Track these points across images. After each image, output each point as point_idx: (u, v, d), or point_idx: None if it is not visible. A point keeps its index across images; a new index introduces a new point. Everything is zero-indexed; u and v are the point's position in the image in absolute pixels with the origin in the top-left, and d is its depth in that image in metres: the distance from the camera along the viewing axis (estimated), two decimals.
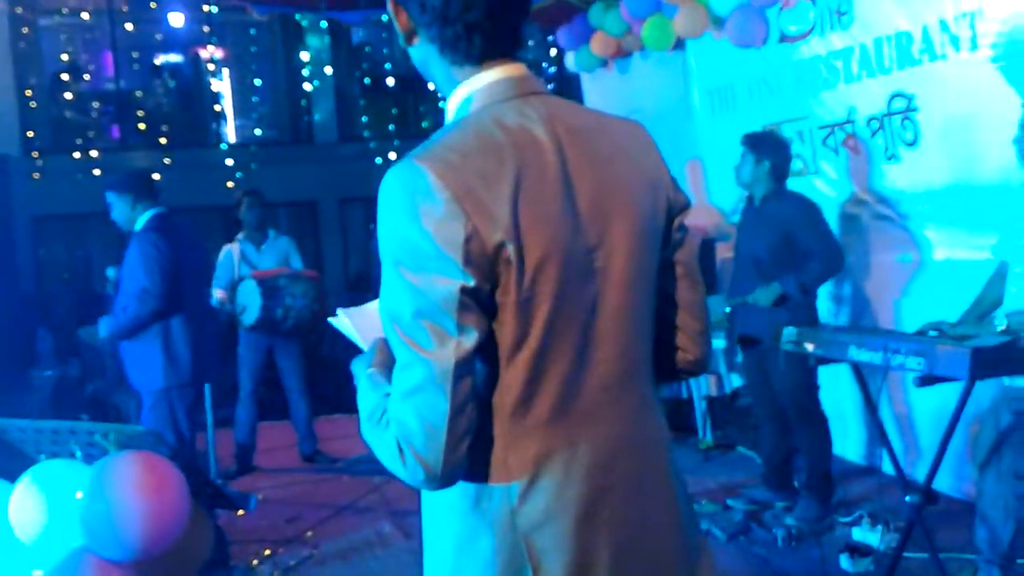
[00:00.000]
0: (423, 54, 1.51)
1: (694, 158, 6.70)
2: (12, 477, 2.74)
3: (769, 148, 4.68)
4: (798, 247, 4.56)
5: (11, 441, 3.20)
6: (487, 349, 1.36)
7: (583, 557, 1.42)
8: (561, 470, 1.41)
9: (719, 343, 6.01)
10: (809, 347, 3.70)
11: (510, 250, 1.33)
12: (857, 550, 4.05)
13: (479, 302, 1.33)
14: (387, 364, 1.50)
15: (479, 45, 1.45)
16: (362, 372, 1.52)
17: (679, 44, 6.42)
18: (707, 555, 1.64)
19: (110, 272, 4.80)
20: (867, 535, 4.22)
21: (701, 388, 6.31)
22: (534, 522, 1.40)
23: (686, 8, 5.81)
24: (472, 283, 1.31)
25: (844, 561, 4.02)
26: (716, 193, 6.55)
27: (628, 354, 1.49)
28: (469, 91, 1.47)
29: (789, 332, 3.83)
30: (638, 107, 6.68)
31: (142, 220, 4.64)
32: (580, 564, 1.42)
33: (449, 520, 1.46)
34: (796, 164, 5.54)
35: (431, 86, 1.59)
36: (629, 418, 1.50)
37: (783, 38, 5.54)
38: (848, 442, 5.47)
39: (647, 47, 6.49)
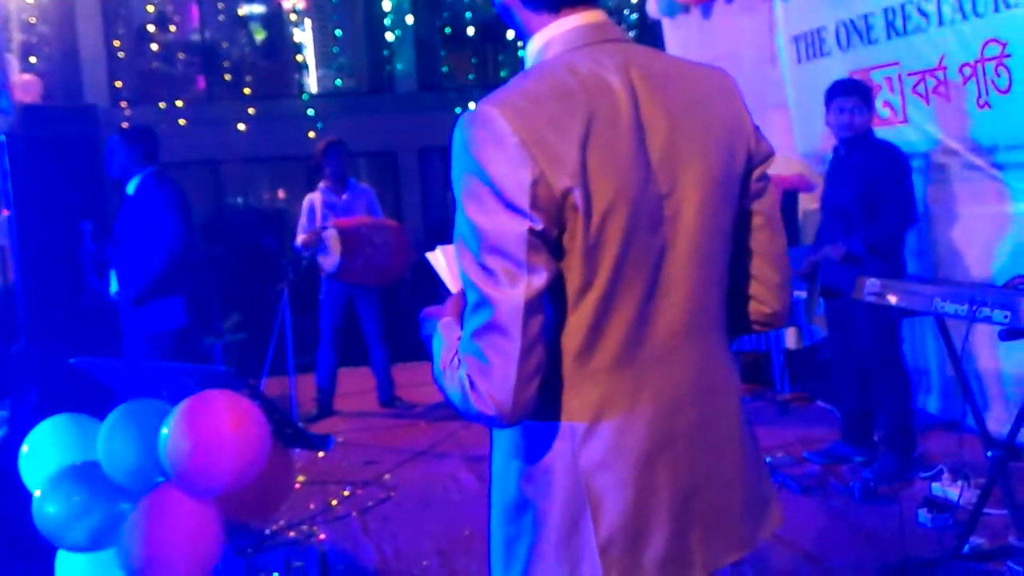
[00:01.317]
0: (506, 2, 1.51)
1: (779, 106, 6.55)
2: (101, 415, 2.85)
3: (869, 97, 4.57)
4: (880, 198, 4.45)
5: (100, 380, 3.32)
6: (555, 292, 1.37)
7: (642, 500, 1.44)
8: (623, 414, 1.43)
9: (799, 294, 5.92)
10: (892, 299, 3.62)
11: (577, 196, 1.34)
12: (936, 505, 3.99)
13: (547, 244, 1.34)
14: (461, 315, 1.53)
15: None
16: (436, 321, 1.55)
17: None
18: (775, 508, 1.64)
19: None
20: (947, 490, 4.14)
21: (780, 340, 6.23)
22: (595, 463, 1.42)
23: None
24: (540, 226, 1.32)
25: (922, 516, 3.96)
26: (802, 142, 6.40)
27: (698, 303, 1.49)
28: (546, 38, 1.48)
29: (872, 284, 3.75)
30: (721, 53, 6.54)
31: (141, 174, 4.92)
32: (639, 506, 1.43)
33: (515, 459, 1.49)
34: (884, 112, 5.38)
35: (511, 34, 1.59)
36: (697, 366, 1.50)
37: None
38: (930, 396, 5.36)
39: None
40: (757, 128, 1.58)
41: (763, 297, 1.63)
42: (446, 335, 1.48)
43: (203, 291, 9.45)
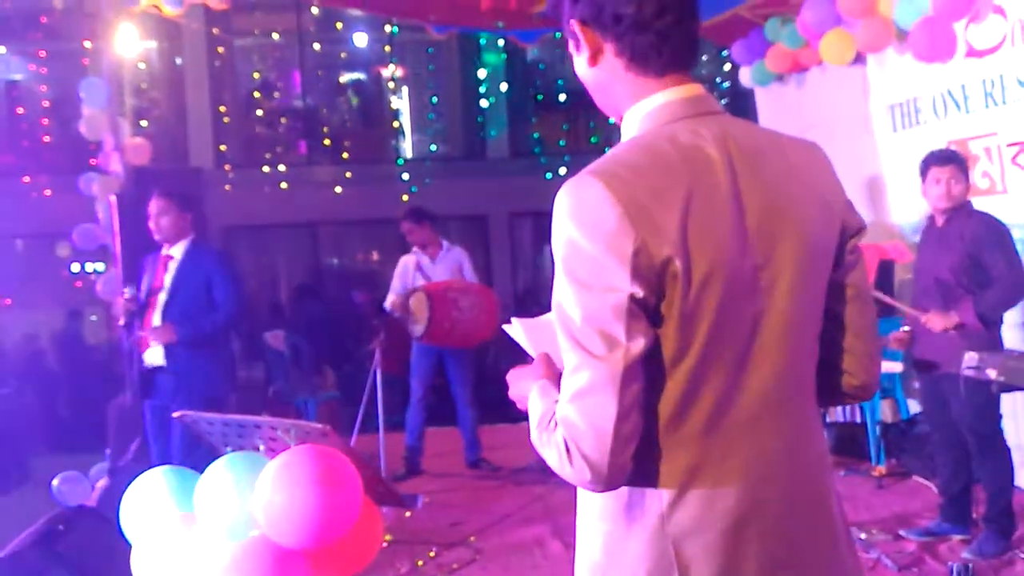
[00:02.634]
0: (606, 71, 1.55)
1: (873, 175, 6.49)
2: (201, 468, 2.94)
3: (965, 167, 4.51)
4: (983, 269, 4.36)
5: (201, 433, 3.42)
6: (651, 358, 1.39)
7: (731, 569, 1.43)
8: (712, 482, 1.43)
9: (896, 366, 5.80)
10: (991, 373, 3.54)
11: (677, 265, 1.36)
12: None
13: (646, 312, 1.37)
14: (554, 377, 1.56)
15: (667, 54, 1.50)
16: (532, 382, 1.58)
17: (859, 59, 6.24)
18: None
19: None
20: None
21: (875, 413, 6.09)
22: (684, 530, 1.42)
23: (868, 22, 5.65)
24: (640, 294, 1.35)
25: None
26: (896, 211, 6.32)
27: (789, 373, 1.49)
28: (646, 110, 1.52)
29: (970, 357, 3.67)
30: (814, 122, 6.52)
31: (189, 239, 5.17)
32: (727, 575, 1.43)
33: (601, 522, 1.50)
34: (984, 183, 5.30)
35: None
36: (787, 436, 1.50)
37: (970, 52, 5.31)
38: None
39: (825, 61, 6.34)
40: (849, 202, 1.60)
41: (853, 369, 1.63)
42: (542, 397, 1.51)
43: (296, 351, 9.66)
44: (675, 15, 1.50)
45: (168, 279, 5.11)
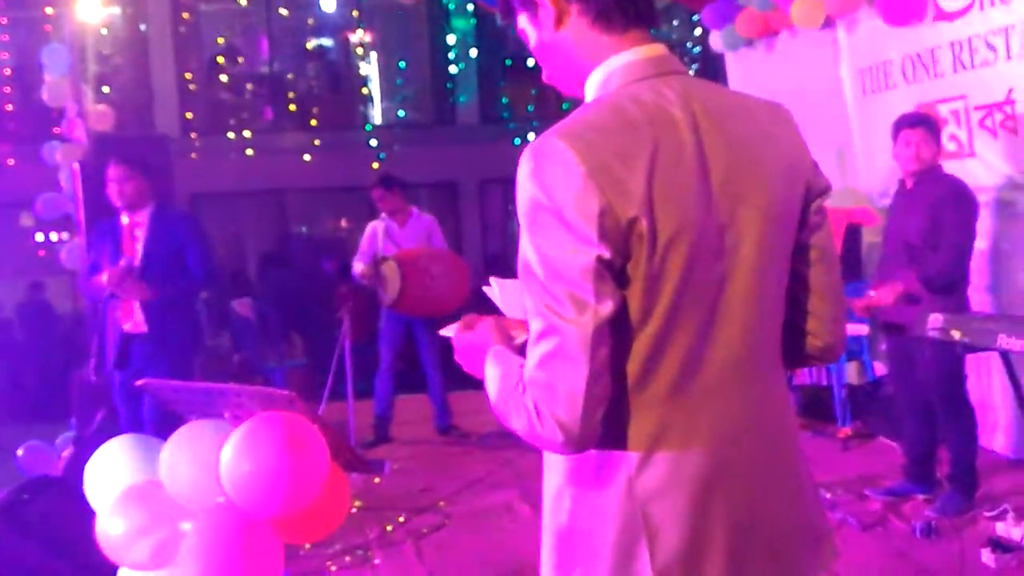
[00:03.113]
0: (570, 34, 1.52)
1: (843, 139, 6.50)
2: (164, 435, 2.91)
3: (935, 130, 4.53)
4: (945, 233, 4.39)
5: (166, 401, 3.39)
6: (618, 320, 1.38)
7: (699, 531, 1.43)
8: (678, 444, 1.43)
9: (863, 328, 5.85)
10: (956, 335, 3.57)
11: (643, 225, 1.35)
12: (1000, 545, 3.89)
13: (613, 274, 1.36)
14: (505, 343, 1.56)
15: (631, 9, 1.50)
16: (484, 347, 1.57)
17: (828, 22, 6.23)
18: (830, 543, 1.62)
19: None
20: (1011, 530, 4.04)
21: (842, 375, 6.14)
22: (651, 492, 1.42)
23: None
24: (607, 255, 1.34)
25: (986, 556, 3.87)
26: (866, 175, 6.34)
27: (754, 335, 1.49)
28: (608, 71, 1.50)
29: (935, 319, 3.70)
30: (785, 87, 6.51)
31: (152, 205, 5.12)
32: (696, 537, 1.43)
33: (569, 486, 1.50)
34: (951, 146, 5.32)
35: (547, 77, 1.61)
36: (753, 398, 1.50)
37: (939, 15, 5.31)
38: (995, 434, 5.24)
39: (796, 25, 6.32)
40: (815, 162, 1.59)
41: (817, 331, 1.63)
42: (500, 363, 1.50)
43: (264, 318, 9.62)
44: None
45: (139, 247, 5.03)
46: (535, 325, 1.39)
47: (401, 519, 4.88)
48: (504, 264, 14.48)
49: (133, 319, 5.01)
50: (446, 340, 1.72)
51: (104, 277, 4.88)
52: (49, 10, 9.21)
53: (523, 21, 1.59)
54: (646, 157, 1.37)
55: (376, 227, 6.74)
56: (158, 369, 4.79)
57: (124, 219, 5.10)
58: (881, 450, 5.69)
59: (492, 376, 1.50)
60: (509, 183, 1.43)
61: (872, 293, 4.63)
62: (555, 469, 1.53)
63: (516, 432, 1.43)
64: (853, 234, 6.33)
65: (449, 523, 4.84)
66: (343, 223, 16.03)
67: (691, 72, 1.54)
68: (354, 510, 4.92)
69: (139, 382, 3.51)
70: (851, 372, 6.39)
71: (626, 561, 1.43)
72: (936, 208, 4.42)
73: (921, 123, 4.56)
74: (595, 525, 1.45)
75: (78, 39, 7.64)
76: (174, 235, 5.09)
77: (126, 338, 5.04)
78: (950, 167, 4.82)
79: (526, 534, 4.53)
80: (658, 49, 1.51)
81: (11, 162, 12.78)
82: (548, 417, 1.36)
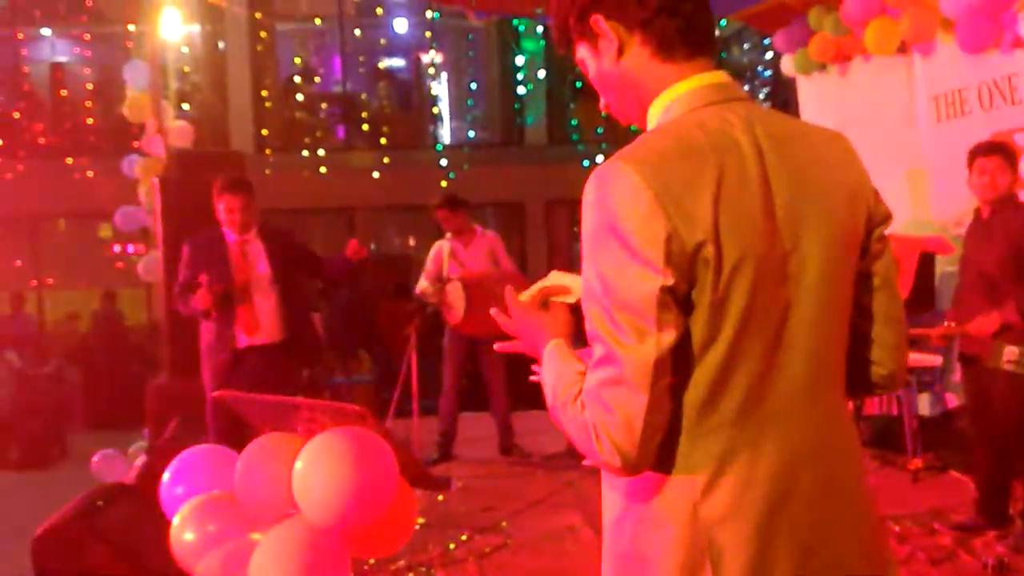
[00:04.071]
0: (631, 65, 1.54)
1: (916, 167, 6.41)
2: (240, 447, 2.97)
3: (1012, 158, 4.45)
4: None
5: (240, 414, 3.46)
6: (681, 345, 1.39)
7: (763, 557, 1.43)
8: (744, 469, 1.43)
9: (936, 359, 5.74)
10: None
11: (709, 250, 1.35)
12: None
13: (677, 300, 1.36)
14: (568, 337, 1.58)
15: (694, 38, 1.51)
16: (545, 336, 1.59)
17: (903, 47, 6.16)
18: (894, 573, 1.61)
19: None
20: None
21: (913, 406, 6.03)
22: (716, 517, 1.42)
23: (913, 10, 5.57)
24: (671, 282, 1.34)
25: None
26: (939, 203, 6.24)
27: (818, 361, 1.49)
28: (672, 98, 1.51)
29: (1010, 351, 3.63)
30: (856, 113, 6.46)
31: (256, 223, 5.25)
32: (759, 564, 1.42)
33: (631, 507, 1.49)
34: None
35: (606, 106, 1.63)
36: (817, 425, 1.49)
37: (1016, 42, 5.22)
38: None
39: (869, 51, 6.27)
40: (876, 190, 1.60)
41: (880, 359, 1.63)
42: (562, 363, 1.51)
43: (332, 334, 9.74)
44: (695, 1, 1.51)
45: (256, 264, 5.18)
46: (597, 350, 1.40)
47: (464, 538, 4.90)
48: None
49: (259, 330, 5.12)
50: (510, 360, 1.73)
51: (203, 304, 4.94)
52: (131, 27, 9.48)
53: (583, 52, 1.60)
54: (712, 183, 1.38)
55: (441, 247, 6.79)
56: (285, 377, 5.12)
57: (231, 236, 5.19)
58: (953, 484, 5.57)
59: (550, 376, 1.51)
60: (576, 204, 1.45)
61: (950, 323, 4.53)
62: (617, 492, 1.53)
63: (571, 440, 1.45)
64: (927, 263, 6.22)
65: (511, 543, 4.84)
66: (411, 241, 16.19)
67: (762, 96, 1.55)
68: (417, 527, 4.95)
69: (214, 394, 3.61)
70: (923, 403, 6.27)
71: None
72: (1016, 237, 4.34)
73: (997, 151, 4.48)
74: (658, 550, 1.45)
75: (159, 56, 7.85)
76: (288, 249, 5.33)
77: (244, 351, 5.11)
78: None
79: (588, 557, 4.52)
80: (721, 76, 1.52)
81: (91, 175, 13.17)
82: (606, 440, 1.37)
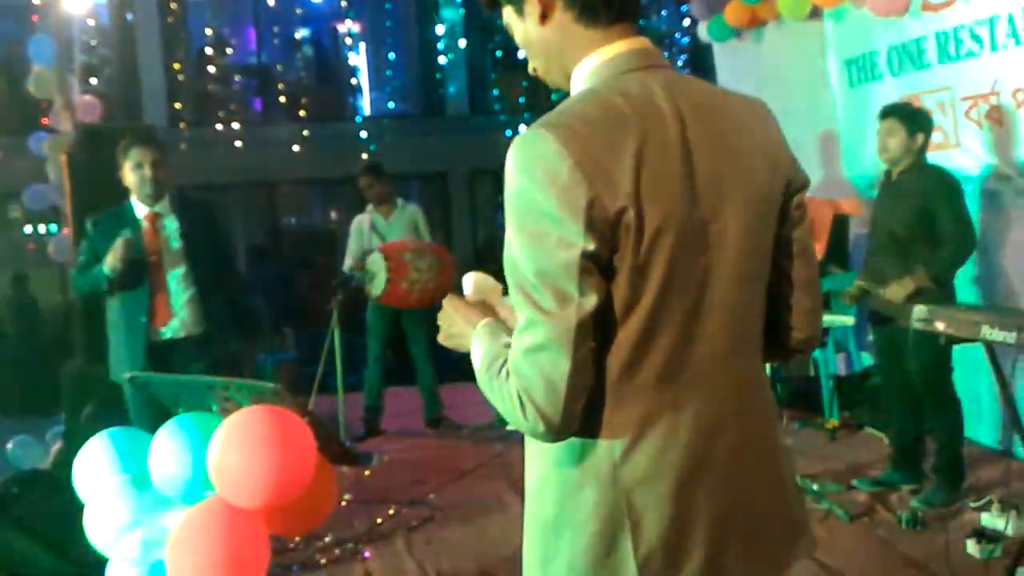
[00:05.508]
0: (554, 28, 1.53)
1: (830, 130, 6.52)
2: (153, 428, 2.92)
3: (923, 122, 4.53)
4: (934, 223, 4.41)
5: (154, 394, 3.40)
6: (604, 310, 1.39)
7: (682, 519, 1.45)
8: (664, 432, 1.44)
9: (848, 320, 5.87)
10: (941, 326, 3.58)
11: (630, 216, 1.36)
12: (985, 536, 3.92)
13: (599, 266, 1.37)
14: (494, 318, 1.58)
15: (617, 4, 1.50)
16: (473, 322, 1.59)
17: (815, 13, 6.25)
18: (809, 535, 1.65)
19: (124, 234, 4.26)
20: (996, 521, 4.06)
21: (829, 366, 6.17)
22: (636, 479, 1.44)
23: None
24: (593, 247, 1.35)
25: (971, 546, 3.89)
26: (852, 166, 6.36)
27: (737, 327, 1.51)
28: (595, 64, 1.51)
29: (920, 311, 3.71)
30: (772, 77, 6.53)
31: (170, 193, 4.49)
32: (678, 525, 1.45)
33: (553, 473, 1.51)
34: (936, 137, 5.34)
35: (533, 70, 1.62)
36: (736, 389, 1.52)
37: (926, 6, 5.33)
38: (981, 426, 5.27)
39: (783, 16, 6.34)
40: (794, 157, 1.61)
41: (798, 323, 1.65)
42: (490, 338, 1.52)
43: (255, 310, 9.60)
44: None
45: (168, 238, 4.39)
46: (520, 316, 1.40)
47: (391, 512, 4.89)
48: (493, 255, 14.49)
49: (170, 320, 4.35)
50: (435, 332, 1.73)
51: (111, 264, 4.19)
52: (36, 0, 9.14)
53: (508, 14, 1.59)
54: (633, 149, 1.38)
55: (362, 220, 6.73)
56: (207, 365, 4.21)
57: (140, 209, 4.41)
58: (868, 441, 5.72)
59: (478, 351, 1.52)
60: (499, 174, 1.44)
61: (861, 283, 4.64)
62: (538, 457, 1.55)
63: (499, 410, 1.45)
64: (840, 225, 6.35)
65: (439, 516, 4.85)
66: (333, 215, 16.02)
67: (680, 63, 1.54)
68: (344, 503, 4.93)
69: (127, 375, 3.52)
70: (838, 363, 6.41)
71: (609, 548, 1.45)
72: (923, 199, 4.43)
73: (890, 114, 4.54)
74: (579, 513, 1.47)
75: (65, 29, 7.59)
76: (210, 223, 4.61)
77: (161, 345, 4.34)
78: (936, 158, 4.84)
79: (517, 526, 4.53)
80: (643, 42, 1.53)
81: None
82: (530, 406, 1.38)
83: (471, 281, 1.74)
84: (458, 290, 1.76)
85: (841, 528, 4.33)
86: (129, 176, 4.37)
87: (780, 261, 1.60)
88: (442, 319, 1.68)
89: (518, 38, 1.60)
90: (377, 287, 6.18)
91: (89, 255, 4.38)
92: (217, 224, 4.75)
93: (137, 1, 14.58)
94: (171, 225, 4.43)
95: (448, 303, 1.69)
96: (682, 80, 1.52)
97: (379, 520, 4.78)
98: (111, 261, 4.18)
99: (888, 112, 4.57)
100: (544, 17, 1.53)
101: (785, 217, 1.59)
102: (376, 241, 6.52)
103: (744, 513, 1.51)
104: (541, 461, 1.54)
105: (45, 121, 7.39)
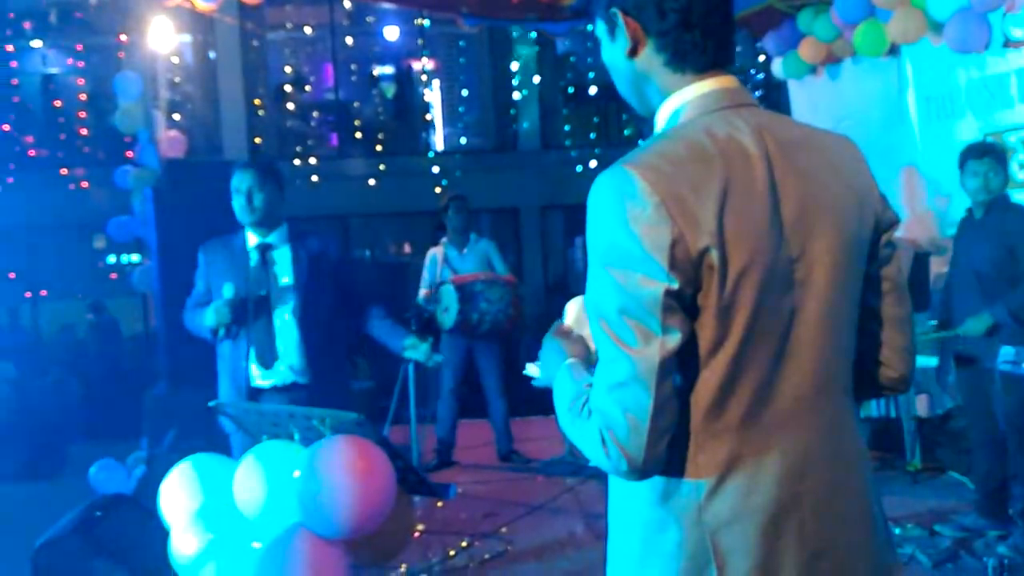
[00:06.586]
0: (643, 66, 1.54)
1: (908, 168, 6.42)
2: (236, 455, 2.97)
3: (1007, 161, 4.47)
4: (1020, 263, 4.32)
5: (237, 422, 3.46)
6: (687, 349, 1.39)
7: (768, 562, 1.43)
8: (750, 474, 1.43)
9: (931, 361, 5.75)
10: None
11: (714, 256, 1.36)
12: None
13: (682, 304, 1.37)
14: (582, 356, 1.58)
15: (711, 52, 1.50)
16: (560, 360, 1.59)
17: (893, 49, 6.18)
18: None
19: (227, 290, 3.86)
20: None
21: (911, 408, 6.03)
22: (721, 521, 1.42)
23: (901, 12, 5.59)
24: (676, 286, 1.35)
25: None
26: (932, 203, 6.25)
27: (826, 366, 1.49)
28: (681, 102, 1.51)
29: (1006, 352, 3.64)
30: (848, 114, 6.47)
31: (285, 223, 4.07)
32: (765, 567, 1.43)
33: (637, 512, 1.50)
34: (1021, 175, 5.23)
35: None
36: (824, 430, 1.50)
37: (1007, 43, 5.25)
38: None
39: (859, 53, 6.29)
40: (883, 195, 1.60)
41: (890, 361, 1.63)
42: (573, 378, 1.52)
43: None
44: (721, 14, 1.51)
45: (279, 272, 3.97)
46: (603, 351, 1.41)
47: (464, 544, 4.90)
48: (564, 290, 14.49)
49: (275, 362, 3.92)
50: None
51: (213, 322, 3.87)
52: (122, 38, 9.46)
53: (600, 30, 1.59)
54: (718, 188, 1.38)
55: (435, 252, 6.81)
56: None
57: (252, 239, 4.01)
58: (951, 485, 5.58)
59: (561, 391, 1.52)
60: (570, 209, 1.46)
61: (960, 331, 4.55)
62: (622, 494, 1.54)
63: (581, 450, 1.46)
64: (921, 263, 6.23)
65: (511, 550, 4.84)
66: (406, 248, 16.18)
67: (754, 98, 1.54)
68: (417, 534, 4.96)
69: (211, 403, 3.59)
70: (920, 404, 6.27)
71: None
72: (1008, 237, 4.36)
73: (988, 152, 4.50)
74: (663, 552, 1.45)
75: (150, 66, 7.84)
76: (325, 258, 4.05)
77: (262, 394, 3.94)
78: (1020, 196, 4.75)
79: (588, 562, 4.52)
80: (731, 81, 1.52)
81: (85, 185, 13.15)
82: (613, 445, 1.38)
83: (574, 308, 1.75)
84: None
85: (924, 575, 4.21)
86: (234, 201, 3.96)
87: (871, 299, 1.59)
88: (543, 349, 1.69)
89: (604, 56, 1.61)
90: (449, 319, 6.24)
91: (201, 286, 4.09)
92: (333, 259, 4.13)
93: (219, 39, 14.98)
94: (283, 258, 3.98)
95: (553, 333, 1.70)
96: (770, 118, 1.52)
97: (452, 552, 4.79)
98: (214, 320, 3.86)
99: (986, 151, 4.50)
100: (633, 52, 1.54)
101: (874, 255, 1.58)
102: (449, 273, 6.58)
103: (834, 557, 1.48)
104: (625, 499, 1.53)
105: (130, 155, 7.61)
